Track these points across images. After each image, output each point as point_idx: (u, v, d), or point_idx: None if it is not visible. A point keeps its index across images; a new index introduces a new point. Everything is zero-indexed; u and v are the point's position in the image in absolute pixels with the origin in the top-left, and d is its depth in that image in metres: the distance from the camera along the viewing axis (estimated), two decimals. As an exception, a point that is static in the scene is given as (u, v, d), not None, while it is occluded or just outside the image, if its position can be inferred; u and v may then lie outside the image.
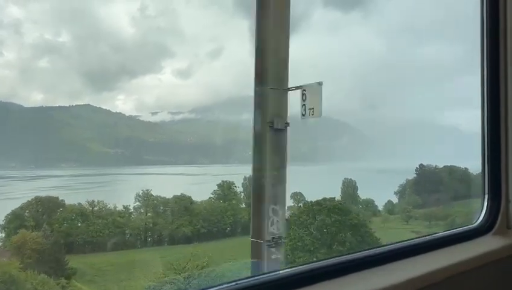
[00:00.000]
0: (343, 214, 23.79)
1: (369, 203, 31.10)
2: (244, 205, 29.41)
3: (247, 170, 46.00)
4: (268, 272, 1.44)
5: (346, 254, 1.66)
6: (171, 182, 26.46)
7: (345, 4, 58.62)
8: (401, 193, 32.42)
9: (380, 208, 31.17)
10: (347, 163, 50.78)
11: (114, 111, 51.96)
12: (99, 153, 43.86)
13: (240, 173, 43.76)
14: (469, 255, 1.88)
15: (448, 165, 33.43)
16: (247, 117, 64.47)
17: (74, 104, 48.51)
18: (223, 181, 29.53)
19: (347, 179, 31.42)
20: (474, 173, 32.31)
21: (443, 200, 30.12)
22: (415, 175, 33.24)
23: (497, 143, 2.24)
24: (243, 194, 29.53)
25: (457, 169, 33.17)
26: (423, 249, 1.86)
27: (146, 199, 27.30)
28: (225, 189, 29.25)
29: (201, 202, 28.77)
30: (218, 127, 60.68)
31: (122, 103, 67.90)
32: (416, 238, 1.97)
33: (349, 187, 31.63)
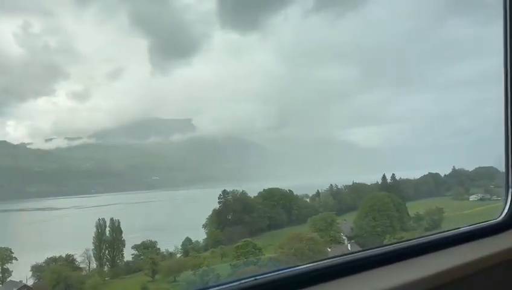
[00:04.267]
0: None
1: (151, 246, 24.50)
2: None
3: (142, 198, 43.67)
4: (287, 268, 1.36)
5: (367, 249, 1.56)
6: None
7: (242, 26, 59.44)
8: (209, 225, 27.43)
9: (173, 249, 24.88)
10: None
11: (-1, 140, 46.77)
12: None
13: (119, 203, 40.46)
14: (494, 250, 1.82)
15: (271, 187, 29.84)
16: (153, 140, 62.01)
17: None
18: None
19: (102, 220, 24.35)
20: (301, 194, 29.76)
21: (249, 232, 25.66)
22: (218, 204, 28.27)
23: None
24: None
25: (277, 192, 29.46)
26: (448, 243, 1.81)
27: None
28: None
29: None
30: (120, 152, 57.35)
31: (12, 130, 61.81)
32: (440, 233, 1.90)
33: (104, 230, 24.31)
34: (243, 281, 1.27)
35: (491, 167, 32.29)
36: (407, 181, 31.69)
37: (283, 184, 35.20)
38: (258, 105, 66.60)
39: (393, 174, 28.85)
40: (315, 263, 1.44)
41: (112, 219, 24.49)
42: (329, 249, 22.36)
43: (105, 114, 63.58)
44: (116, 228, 24.10)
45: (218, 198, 28.17)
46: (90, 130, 58.21)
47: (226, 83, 62.67)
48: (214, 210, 27.92)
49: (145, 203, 42.71)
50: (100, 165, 50.55)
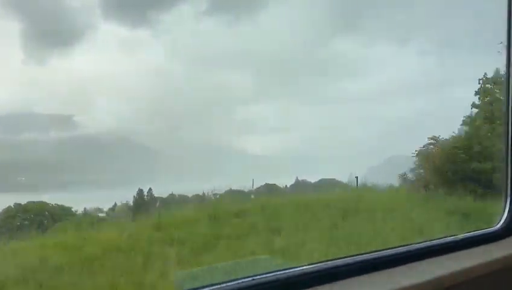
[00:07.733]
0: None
1: None
2: None
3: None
4: (289, 268, 1.38)
5: (363, 253, 1.60)
6: None
7: (129, 20, 57.21)
8: None
9: None
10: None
11: None
12: None
13: None
14: (490, 258, 1.80)
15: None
16: (26, 137, 58.09)
17: None
18: None
19: None
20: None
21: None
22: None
23: None
24: None
25: (33, 207, 24.35)
26: (444, 250, 1.81)
27: None
28: None
29: None
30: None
31: None
32: (434, 239, 1.88)
33: None
34: (240, 281, 1.27)
35: (333, 179, 34.77)
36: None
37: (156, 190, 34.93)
38: (148, 105, 64.68)
39: (150, 188, 25.79)
40: (315, 264, 1.46)
41: None
42: None
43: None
44: None
45: None
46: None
47: (113, 79, 60.13)
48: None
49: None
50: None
